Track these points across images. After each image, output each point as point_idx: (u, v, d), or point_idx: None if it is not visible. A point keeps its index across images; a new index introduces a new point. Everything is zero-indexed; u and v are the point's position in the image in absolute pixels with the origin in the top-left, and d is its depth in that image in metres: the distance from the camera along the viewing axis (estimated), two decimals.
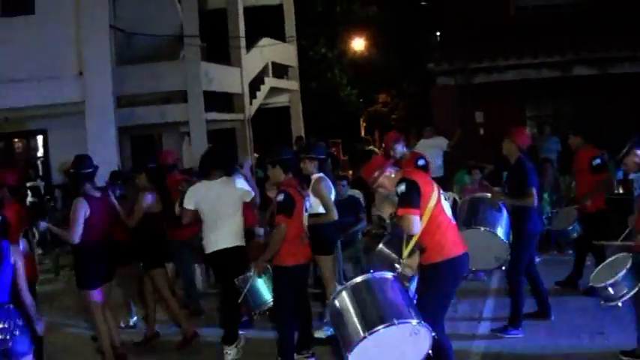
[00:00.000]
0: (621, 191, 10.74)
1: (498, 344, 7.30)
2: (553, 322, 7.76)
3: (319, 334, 7.63)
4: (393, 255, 6.79)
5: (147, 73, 17.34)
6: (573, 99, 16.02)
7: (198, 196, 7.34)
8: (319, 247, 7.43)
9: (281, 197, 6.57)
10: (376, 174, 5.75)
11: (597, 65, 15.61)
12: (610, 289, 6.12)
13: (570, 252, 10.23)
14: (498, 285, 9.44)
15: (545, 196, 11.17)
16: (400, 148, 8.58)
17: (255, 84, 22.53)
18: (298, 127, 25.64)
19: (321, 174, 7.66)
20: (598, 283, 6.27)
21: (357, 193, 10.46)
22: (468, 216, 7.33)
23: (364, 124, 35.56)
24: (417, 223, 5.38)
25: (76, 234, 7.00)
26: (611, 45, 15.34)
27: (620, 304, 6.14)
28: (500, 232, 7.16)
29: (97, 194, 7.29)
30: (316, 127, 26.81)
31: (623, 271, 6.03)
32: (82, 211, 7.01)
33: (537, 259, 9.86)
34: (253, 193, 7.56)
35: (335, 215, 7.55)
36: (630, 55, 15.46)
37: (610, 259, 6.55)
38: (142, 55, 18.43)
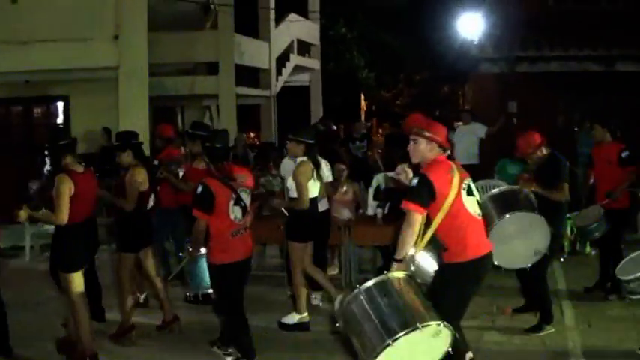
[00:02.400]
0: None
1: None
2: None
3: (287, 319, 7.57)
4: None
5: (178, 41, 16.78)
6: (612, 95, 15.62)
7: None
8: (289, 232, 7.53)
9: (199, 190, 6.11)
10: (429, 134, 5.31)
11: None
12: (636, 282, 6.16)
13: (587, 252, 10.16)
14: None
15: None
16: None
17: (280, 60, 22.04)
18: (317, 107, 25.18)
19: (304, 158, 7.38)
20: (623, 275, 6.34)
21: None
22: (505, 204, 6.83)
23: (364, 109, 34.68)
24: (416, 222, 5.08)
25: (64, 215, 6.34)
26: None
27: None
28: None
29: (80, 169, 6.63)
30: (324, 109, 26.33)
31: None
32: (67, 188, 6.36)
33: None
34: None
35: (305, 204, 7.30)
36: None
37: (634, 253, 6.55)
38: (166, 23, 17.82)
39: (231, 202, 6.16)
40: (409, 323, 4.55)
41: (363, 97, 33.92)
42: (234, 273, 6.21)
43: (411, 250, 5.14)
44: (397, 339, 4.49)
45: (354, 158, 14.15)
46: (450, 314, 4.97)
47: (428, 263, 5.51)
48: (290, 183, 7.47)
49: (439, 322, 4.65)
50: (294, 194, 7.42)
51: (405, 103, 35.77)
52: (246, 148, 15.12)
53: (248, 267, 6.52)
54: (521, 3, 15.88)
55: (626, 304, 7.49)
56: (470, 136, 13.95)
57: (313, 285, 8.10)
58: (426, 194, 5.09)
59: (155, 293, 7.70)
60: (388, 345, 4.49)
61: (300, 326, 7.54)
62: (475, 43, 17.04)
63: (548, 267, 7.43)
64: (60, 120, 16.79)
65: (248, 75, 20.02)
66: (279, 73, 21.61)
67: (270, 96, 20.72)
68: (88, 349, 6.53)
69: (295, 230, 7.53)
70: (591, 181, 8.83)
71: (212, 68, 19.37)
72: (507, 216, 6.63)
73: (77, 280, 6.52)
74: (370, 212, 9.98)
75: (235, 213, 6.19)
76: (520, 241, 6.68)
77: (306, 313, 7.58)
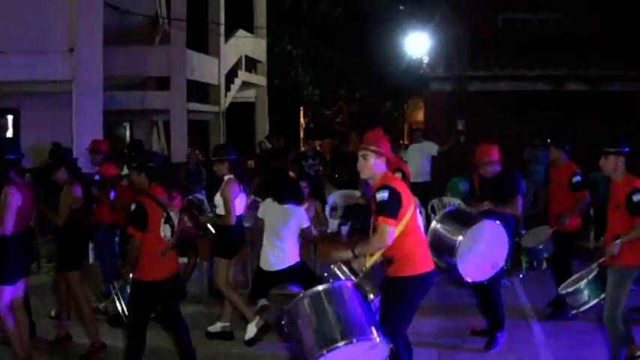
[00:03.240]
0: None
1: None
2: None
3: (213, 328, 7.71)
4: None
5: (129, 55, 16.51)
6: (561, 113, 16.04)
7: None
8: (218, 248, 7.63)
9: (132, 207, 6.11)
10: (379, 149, 5.40)
11: (589, 82, 15.72)
12: (573, 297, 6.40)
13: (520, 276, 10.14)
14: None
15: None
16: None
17: (229, 77, 21.93)
18: (263, 124, 25.10)
19: (231, 175, 7.54)
20: (564, 289, 6.56)
21: None
22: (465, 220, 6.56)
23: (303, 126, 34.60)
24: (391, 235, 5.14)
25: (9, 224, 6.39)
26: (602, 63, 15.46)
27: (580, 313, 6.42)
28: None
29: (20, 181, 6.70)
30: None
31: (585, 280, 6.31)
32: (16, 199, 6.42)
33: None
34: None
35: (231, 220, 7.42)
36: (620, 74, 15.62)
37: (581, 272, 6.68)
38: (115, 37, 17.54)
39: (162, 220, 6.20)
40: (346, 335, 4.60)
41: (302, 114, 33.97)
42: (157, 292, 6.24)
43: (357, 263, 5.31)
44: (332, 350, 4.54)
45: (307, 176, 14.15)
46: (396, 325, 5.17)
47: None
48: (218, 199, 7.54)
49: (376, 336, 4.68)
50: (221, 211, 7.51)
51: (345, 121, 35.95)
52: (199, 164, 14.92)
53: (176, 284, 6.48)
54: (471, 22, 16.15)
55: (590, 318, 7.53)
56: (421, 154, 14.17)
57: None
58: (396, 206, 5.17)
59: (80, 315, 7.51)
60: (322, 355, 4.54)
61: (225, 335, 7.68)
62: (425, 61, 17.33)
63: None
64: (9, 133, 16.36)
65: (197, 91, 19.84)
66: (227, 89, 21.47)
67: (219, 112, 20.56)
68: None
69: (222, 246, 7.63)
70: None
71: (161, 83, 19.15)
72: (475, 225, 6.35)
73: (9, 292, 6.54)
74: (330, 229, 9.99)
75: (165, 231, 6.22)
76: (482, 254, 6.42)
77: (257, 318, 7.52)
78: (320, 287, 4.84)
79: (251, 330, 7.45)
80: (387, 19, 27.85)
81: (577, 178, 8.12)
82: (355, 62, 30.38)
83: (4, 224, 6.36)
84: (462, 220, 6.50)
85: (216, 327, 7.78)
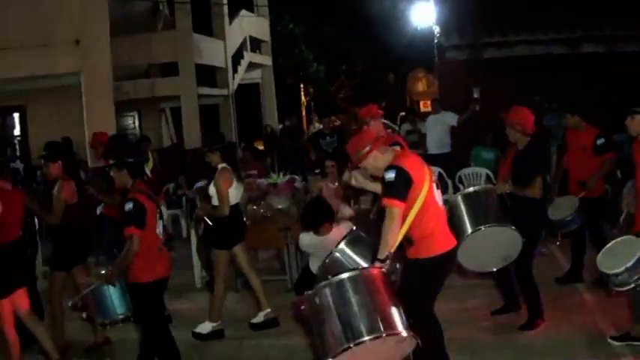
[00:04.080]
0: None
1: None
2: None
3: (200, 328, 7.39)
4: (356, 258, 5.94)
5: (135, 43, 16.21)
6: (579, 76, 15.73)
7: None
8: (213, 240, 7.46)
9: (130, 206, 5.84)
10: (366, 149, 5.15)
11: (605, 43, 15.39)
12: (626, 274, 5.78)
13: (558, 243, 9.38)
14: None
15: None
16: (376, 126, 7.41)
17: (235, 58, 21.62)
18: (271, 104, 24.81)
19: (224, 164, 7.31)
20: (611, 269, 5.86)
21: None
22: (480, 211, 6.51)
23: (304, 104, 34.27)
24: (399, 218, 4.88)
25: None
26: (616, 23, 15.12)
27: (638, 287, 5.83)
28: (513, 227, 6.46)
29: (9, 186, 6.45)
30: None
31: (634, 260, 5.71)
32: None
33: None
34: None
35: (225, 211, 7.18)
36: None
37: (611, 243, 6.21)
38: (117, 26, 17.24)
39: (157, 217, 6.05)
40: (374, 329, 4.44)
41: (303, 92, 33.68)
42: (159, 289, 6.06)
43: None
44: (359, 344, 4.39)
45: (325, 153, 13.95)
46: (420, 309, 4.97)
47: (351, 256, 5.67)
48: (212, 190, 7.33)
49: (405, 330, 4.52)
50: (216, 202, 7.32)
51: (347, 96, 35.64)
52: None
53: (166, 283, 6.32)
54: None
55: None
56: (441, 125, 13.99)
57: None
58: (404, 186, 4.92)
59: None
60: (349, 348, 4.38)
61: (217, 335, 7.41)
62: (437, 30, 16.99)
63: (532, 261, 6.97)
64: (17, 132, 16.13)
65: (205, 75, 19.55)
66: (235, 71, 21.17)
67: (228, 95, 20.28)
68: None
69: (218, 238, 7.43)
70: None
71: (166, 69, 18.86)
72: (482, 228, 6.30)
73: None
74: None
75: (159, 227, 6.08)
76: (490, 249, 6.41)
77: (219, 321, 7.41)
78: (345, 274, 4.62)
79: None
80: None
81: (602, 141, 7.86)
82: (356, 36, 30.00)
83: None
84: (476, 212, 6.40)
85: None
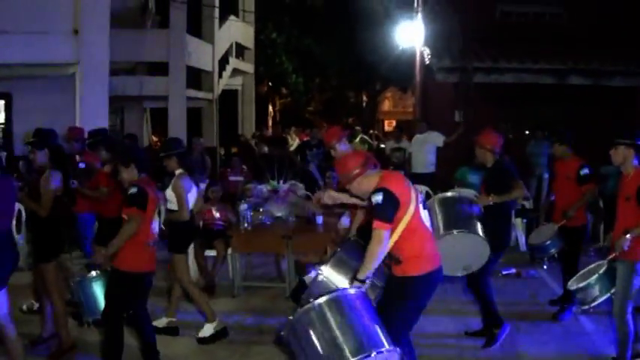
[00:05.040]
0: None
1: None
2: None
3: (158, 323, 7.40)
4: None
5: (125, 40, 16.00)
6: (563, 106, 16.07)
7: None
8: (172, 245, 7.35)
9: (134, 190, 5.95)
10: (356, 171, 5.19)
11: (592, 76, 15.75)
12: (584, 292, 6.28)
13: (545, 267, 10.10)
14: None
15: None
16: (343, 148, 7.12)
17: (220, 63, 21.55)
18: (250, 111, 24.75)
19: (181, 170, 7.30)
20: (574, 285, 6.44)
21: None
22: (453, 215, 6.66)
23: (271, 115, 34.12)
24: (387, 240, 4.92)
25: None
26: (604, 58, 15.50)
27: (591, 308, 6.29)
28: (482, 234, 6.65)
29: None
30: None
31: (596, 275, 6.19)
32: None
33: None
34: None
35: (185, 215, 7.19)
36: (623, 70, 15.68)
37: (589, 267, 6.54)
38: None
39: (156, 211, 6.08)
40: (362, 349, 4.42)
41: (270, 103, 33.67)
42: (139, 282, 6.07)
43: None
44: None
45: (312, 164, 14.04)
46: (402, 327, 5.02)
47: (335, 278, 5.56)
48: (170, 195, 7.29)
49: (391, 346, 4.54)
50: (174, 206, 7.28)
51: (317, 110, 35.70)
52: (204, 153, 14.41)
53: (150, 280, 6.32)
54: (468, 14, 16.04)
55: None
56: (426, 144, 14.02)
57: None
58: (391, 208, 4.93)
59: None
60: None
61: (221, 334, 7.36)
62: (427, 52, 17.14)
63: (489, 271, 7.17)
64: (1, 119, 15.80)
65: (191, 77, 19.45)
66: (219, 76, 21.09)
67: (212, 99, 20.18)
68: None
69: (178, 242, 7.37)
70: (552, 196, 8.70)
71: (153, 69, 18.71)
72: (455, 232, 6.44)
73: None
74: None
75: (155, 224, 6.10)
76: (455, 256, 6.41)
77: (217, 320, 7.36)
78: (324, 298, 4.59)
79: (208, 329, 7.27)
80: (368, 10, 27.60)
81: (585, 171, 7.97)
82: (335, 51, 30.05)
83: None
84: (450, 216, 6.54)
85: (209, 330, 7.35)
